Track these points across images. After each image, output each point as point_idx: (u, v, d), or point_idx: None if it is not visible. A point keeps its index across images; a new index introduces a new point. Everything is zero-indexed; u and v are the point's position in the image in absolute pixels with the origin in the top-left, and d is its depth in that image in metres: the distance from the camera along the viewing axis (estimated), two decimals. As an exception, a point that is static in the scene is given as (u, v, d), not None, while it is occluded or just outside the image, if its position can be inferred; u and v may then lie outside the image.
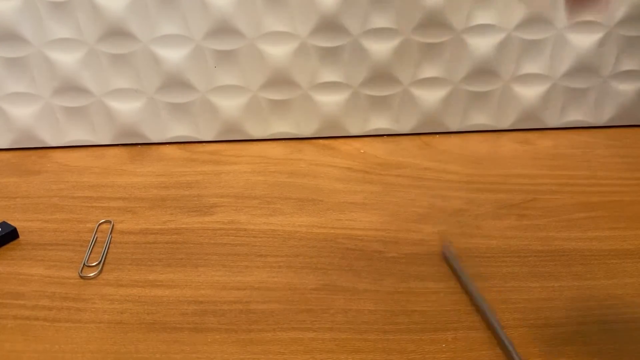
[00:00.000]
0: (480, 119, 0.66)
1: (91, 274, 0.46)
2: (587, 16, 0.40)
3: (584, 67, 0.63)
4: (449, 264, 0.45)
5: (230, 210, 0.54)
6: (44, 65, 0.60)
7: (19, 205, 0.56)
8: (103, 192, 0.57)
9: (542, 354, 0.38)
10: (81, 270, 0.47)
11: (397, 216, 0.53)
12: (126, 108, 0.63)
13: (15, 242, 0.51)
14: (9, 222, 0.52)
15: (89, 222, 0.53)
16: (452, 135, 0.66)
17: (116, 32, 0.59)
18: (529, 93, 0.64)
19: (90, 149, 0.65)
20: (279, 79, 0.62)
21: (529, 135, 0.66)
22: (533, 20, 0.60)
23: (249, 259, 0.48)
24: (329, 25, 0.59)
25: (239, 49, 0.60)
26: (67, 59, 0.60)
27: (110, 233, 0.51)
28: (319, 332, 0.40)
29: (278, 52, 0.60)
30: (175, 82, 0.62)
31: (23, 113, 0.63)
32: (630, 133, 0.66)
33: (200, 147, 0.65)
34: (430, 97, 0.64)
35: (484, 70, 0.62)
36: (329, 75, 0.62)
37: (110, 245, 0.50)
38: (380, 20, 0.59)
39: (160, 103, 0.63)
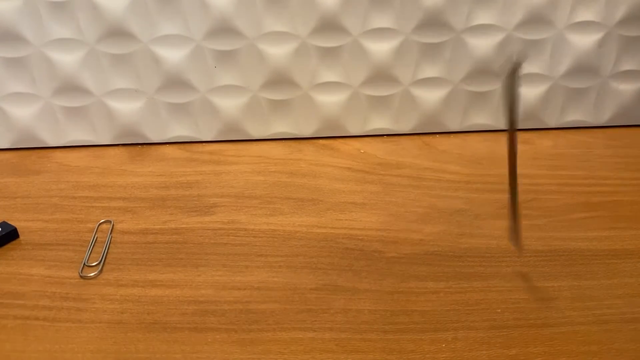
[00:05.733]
0: (480, 119, 0.66)
1: (91, 274, 0.46)
2: None
3: (584, 67, 0.63)
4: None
5: (230, 210, 0.54)
6: (44, 65, 0.60)
7: (19, 205, 0.56)
8: (103, 192, 0.57)
9: (542, 354, 0.38)
10: (81, 270, 0.47)
11: (397, 216, 0.53)
12: (126, 108, 0.63)
13: (15, 242, 0.51)
14: (9, 222, 0.52)
15: (89, 222, 0.53)
16: (452, 135, 0.66)
17: (116, 32, 0.59)
18: (529, 93, 0.64)
19: (90, 149, 0.65)
20: (279, 79, 0.62)
21: (529, 135, 0.66)
22: (533, 20, 0.60)
23: (249, 259, 0.48)
24: (329, 25, 0.59)
25: (239, 49, 0.60)
26: (67, 59, 0.60)
27: (110, 233, 0.51)
28: (319, 332, 0.41)
29: (278, 52, 0.60)
30: (175, 82, 0.62)
31: (23, 113, 0.63)
32: (630, 133, 0.66)
33: (200, 147, 0.65)
34: (430, 97, 0.64)
35: (484, 70, 0.62)
36: (329, 75, 0.62)
37: (110, 245, 0.50)
38: (380, 20, 0.59)
39: (160, 103, 0.63)
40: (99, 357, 0.39)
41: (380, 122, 0.65)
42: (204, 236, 0.51)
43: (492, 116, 0.66)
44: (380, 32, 0.60)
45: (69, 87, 0.62)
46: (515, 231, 0.44)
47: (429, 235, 0.50)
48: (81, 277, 0.46)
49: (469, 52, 0.61)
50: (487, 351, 0.39)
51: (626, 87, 0.64)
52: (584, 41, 0.61)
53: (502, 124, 0.66)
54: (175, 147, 0.65)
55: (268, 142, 0.66)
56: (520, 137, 0.65)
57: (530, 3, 0.59)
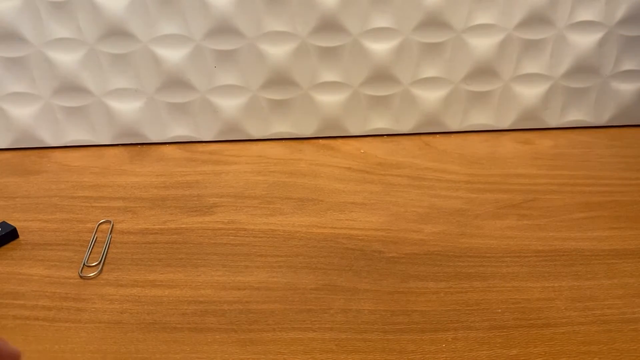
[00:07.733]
0: (480, 119, 0.66)
1: (91, 274, 0.46)
2: None
3: (584, 67, 0.63)
4: None
5: (230, 210, 0.54)
6: (44, 65, 0.60)
7: (19, 205, 0.55)
8: (103, 192, 0.57)
9: (542, 354, 0.38)
10: (81, 270, 0.47)
11: (397, 216, 0.53)
12: (126, 108, 0.63)
13: (15, 242, 0.51)
14: (9, 222, 0.52)
15: (89, 222, 0.53)
16: (452, 135, 0.66)
17: (116, 32, 0.59)
18: (529, 93, 0.64)
19: (90, 149, 0.65)
20: (279, 79, 0.62)
21: (529, 135, 0.66)
22: (533, 20, 0.60)
23: (249, 259, 0.48)
24: (329, 25, 0.59)
25: (239, 49, 0.60)
26: (67, 59, 0.60)
27: (110, 233, 0.51)
28: (319, 332, 0.40)
29: (278, 52, 0.60)
30: (175, 82, 0.62)
31: (23, 113, 0.63)
32: (630, 133, 0.66)
33: (200, 147, 0.65)
34: (430, 97, 0.64)
35: (484, 70, 0.62)
36: (329, 75, 0.62)
37: (110, 245, 0.50)
38: (380, 20, 0.59)
39: (160, 103, 0.63)
40: (99, 357, 0.39)
41: (380, 122, 0.65)
42: (204, 236, 0.51)
43: (492, 116, 0.66)
44: (380, 32, 0.60)
45: (69, 87, 0.62)
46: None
47: (429, 235, 0.50)
48: (81, 277, 0.46)
49: (469, 52, 0.61)
50: (487, 351, 0.39)
51: (627, 87, 0.64)
52: (584, 41, 0.61)
53: (502, 124, 0.66)
54: (175, 147, 0.65)
55: (268, 142, 0.66)
56: (521, 137, 0.66)
57: (531, 3, 0.59)
